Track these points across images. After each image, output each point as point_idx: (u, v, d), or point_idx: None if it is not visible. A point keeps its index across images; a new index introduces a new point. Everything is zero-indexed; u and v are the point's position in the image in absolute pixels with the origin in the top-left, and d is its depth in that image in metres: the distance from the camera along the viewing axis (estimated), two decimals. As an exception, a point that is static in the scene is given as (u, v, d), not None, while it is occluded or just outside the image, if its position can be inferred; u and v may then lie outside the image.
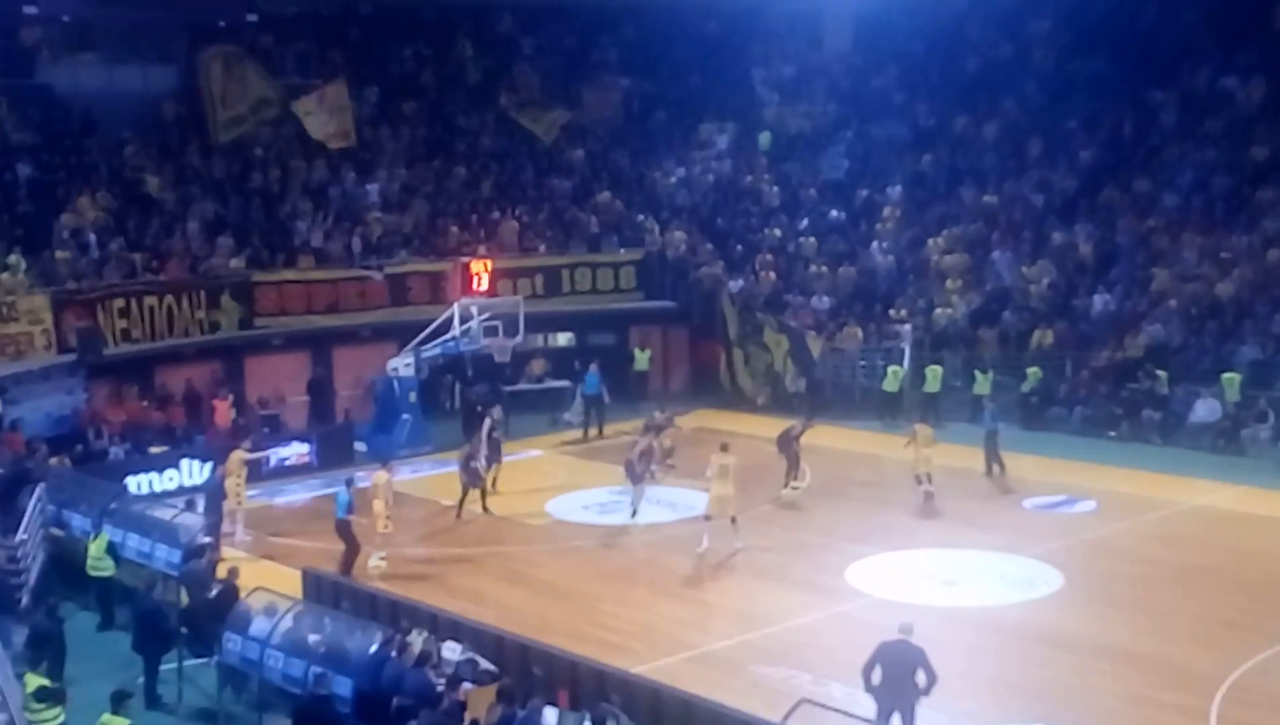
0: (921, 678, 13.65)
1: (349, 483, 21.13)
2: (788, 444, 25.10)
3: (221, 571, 18.10)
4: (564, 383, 33.31)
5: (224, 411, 28.55)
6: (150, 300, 29.46)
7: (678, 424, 27.40)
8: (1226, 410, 28.13)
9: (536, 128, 38.45)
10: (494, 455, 25.06)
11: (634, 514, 23.46)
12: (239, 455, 23.16)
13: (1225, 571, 20.43)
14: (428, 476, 26.83)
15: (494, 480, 25.15)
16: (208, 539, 19.48)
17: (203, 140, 34.41)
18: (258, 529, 23.44)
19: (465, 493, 24.09)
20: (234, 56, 34.39)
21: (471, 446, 24.37)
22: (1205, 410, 28.37)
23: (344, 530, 20.64)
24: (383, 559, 21.02)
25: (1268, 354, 28.83)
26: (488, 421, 25.06)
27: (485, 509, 24.31)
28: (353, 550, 20.59)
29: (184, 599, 17.79)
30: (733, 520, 21.50)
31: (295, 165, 35.44)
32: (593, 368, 31.37)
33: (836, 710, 13.53)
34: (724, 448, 22.09)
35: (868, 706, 13.93)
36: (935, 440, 24.77)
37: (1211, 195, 32.74)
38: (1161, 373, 29.16)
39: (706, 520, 21.49)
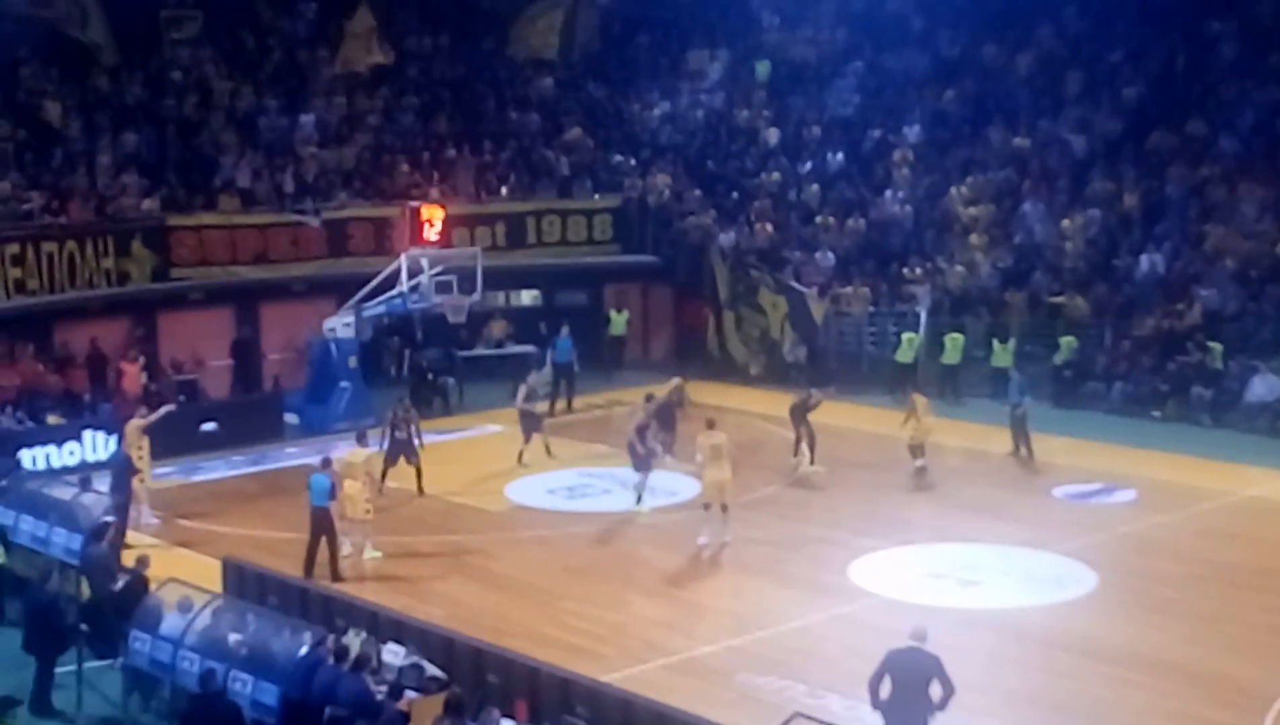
0: (936, 690, 13.65)
1: (326, 462, 20.89)
2: (800, 416, 25.50)
3: (129, 560, 18.03)
4: (528, 348, 33.20)
5: (133, 376, 28.48)
6: (49, 247, 29.28)
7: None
8: (1288, 388, 28.30)
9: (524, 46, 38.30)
10: (533, 425, 26.36)
11: (639, 500, 23.60)
12: (136, 424, 23.12)
13: (1282, 572, 20.54)
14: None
15: (544, 449, 26.34)
16: (111, 519, 19.39)
17: (112, 62, 34.09)
18: (169, 511, 23.41)
19: (389, 466, 24.11)
20: None
21: (394, 414, 24.52)
22: (1263, 388, 28.48)
23: (323, 520, 20.36)
24: (377, 552, 21.21)
25: (1336, 324, 29.04)
26: (522, 388, 26.33)
27: (420, 490, 24.43)
28: (333, 545, 20.38)
29: (85, 591, 17.75)
30: (723, 508, 21.55)
31: (219, 90, 35.19)
32: (564, 331, 31.38)
33: (835, 726, 13.58)
34: (711, 425, 22.17)
35: (871, 722, 13.98)
36: (932, 411, 25.61)
37: (1275, 140, 32.80)
38: (1214, 344, 29.25)
39: (705, 509, 21.60)
